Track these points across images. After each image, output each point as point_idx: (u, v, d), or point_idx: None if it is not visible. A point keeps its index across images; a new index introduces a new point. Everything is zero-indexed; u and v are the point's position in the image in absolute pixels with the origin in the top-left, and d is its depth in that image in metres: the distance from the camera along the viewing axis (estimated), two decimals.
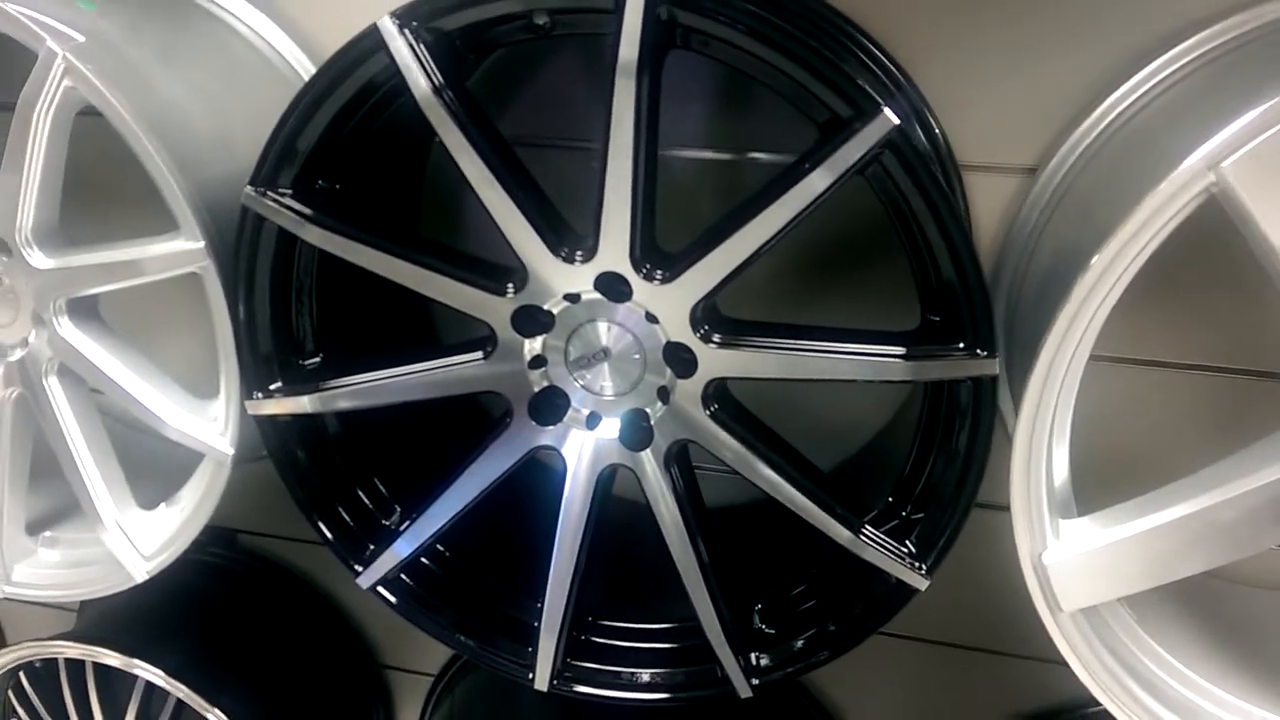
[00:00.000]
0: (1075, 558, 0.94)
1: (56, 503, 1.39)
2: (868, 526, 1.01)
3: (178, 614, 1.60)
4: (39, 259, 1.15)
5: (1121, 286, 0.86)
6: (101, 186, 1.34)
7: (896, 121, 0.82)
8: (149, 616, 1.59)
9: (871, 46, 1.15)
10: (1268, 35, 1.04)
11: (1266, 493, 0.89)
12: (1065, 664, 0.97)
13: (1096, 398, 1.20)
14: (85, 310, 1.20)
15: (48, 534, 1.38)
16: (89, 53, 1.03)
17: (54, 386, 1.21)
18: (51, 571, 1.35)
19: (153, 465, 1.34)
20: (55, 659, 1.53)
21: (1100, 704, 1.31)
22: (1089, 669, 0.96)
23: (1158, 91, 1.08)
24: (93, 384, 1.19)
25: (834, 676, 1.50)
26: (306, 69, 1.31)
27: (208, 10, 1.29)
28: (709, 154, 1.28)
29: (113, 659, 1.45)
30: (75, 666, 1.55)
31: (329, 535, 1.14)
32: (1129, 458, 1.19)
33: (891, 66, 1.15)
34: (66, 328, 1.18)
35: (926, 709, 1.49)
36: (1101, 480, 1.07)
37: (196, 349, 1.52)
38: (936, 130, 1.16)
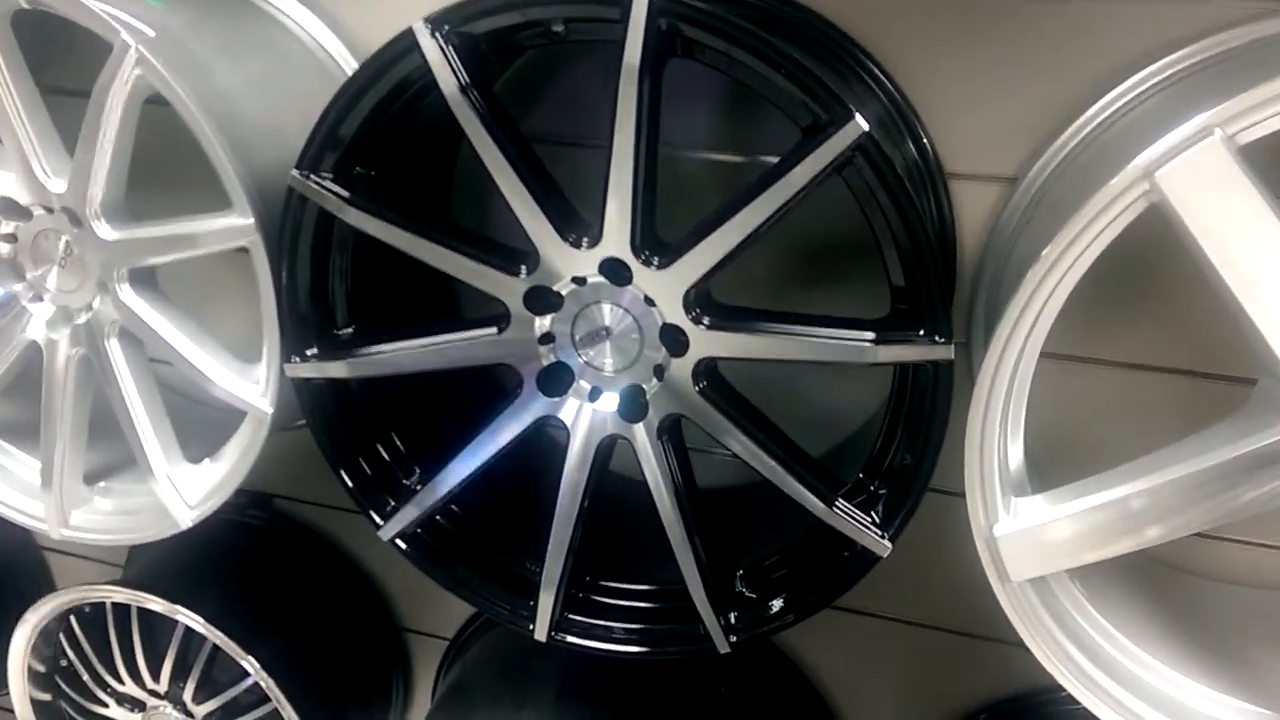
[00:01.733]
0: (1024, 531, 1.02)
1: (110, 456, 1.52)
2: (840, 499, 1.11)
3: (217, 569, 1.73)
4: (106, 231, 1.28)
5: (1071, 281, 0.94)
6: (162, 167, 1.47)
7: (865, 127, 0.92)
8: (191, 570, 1.72)
9: (866, 60, 1.24)
10: (1232, 58, 1.12)
11: (1202, 477, 0.97)
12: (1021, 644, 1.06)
13: (1066, 396, 1.29)
14: (145, 280, 1.32)
15: (102, 484, 1.51)
16: (158, 46, 1.15)
17: (114, 348, 1.34)
18: (105, 518, 1.48)
19: (197, 427, 1.47)
20: (103, 604, 1.67)
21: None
22: (1034, 634, 1.05)
23: (1129, 108, 1.17)
24: (150, 347, 1.32)
25: (830, 665, 1.59)
26: (350, 65, 1.43)
27: (262, 9, 1.42)
28: (720, 156, 1.39)
29: (156, 604, 1.57)
30: (121, 612, 1.68)
31: (354, 489, 1.26)
32: (1094, 453, 1.27)
33: (884, 79, 1.25)
34: (128, 294, 1.30)
35: (917, 691, 1.57)
36: (1067, 475, 1.15)
37: (239, 321, 1.65)
38: (925, 140, 1.25)
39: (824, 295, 1.38)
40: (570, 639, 1.24)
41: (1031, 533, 1.02)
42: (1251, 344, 0.92)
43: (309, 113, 1.34)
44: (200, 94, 1.15)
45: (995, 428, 1.00)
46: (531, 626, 1.24)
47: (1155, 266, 1.18)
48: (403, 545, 1.26)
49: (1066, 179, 1.19)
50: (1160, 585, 1.21)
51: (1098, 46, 1.17)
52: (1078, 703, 1.41)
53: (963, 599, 1.43)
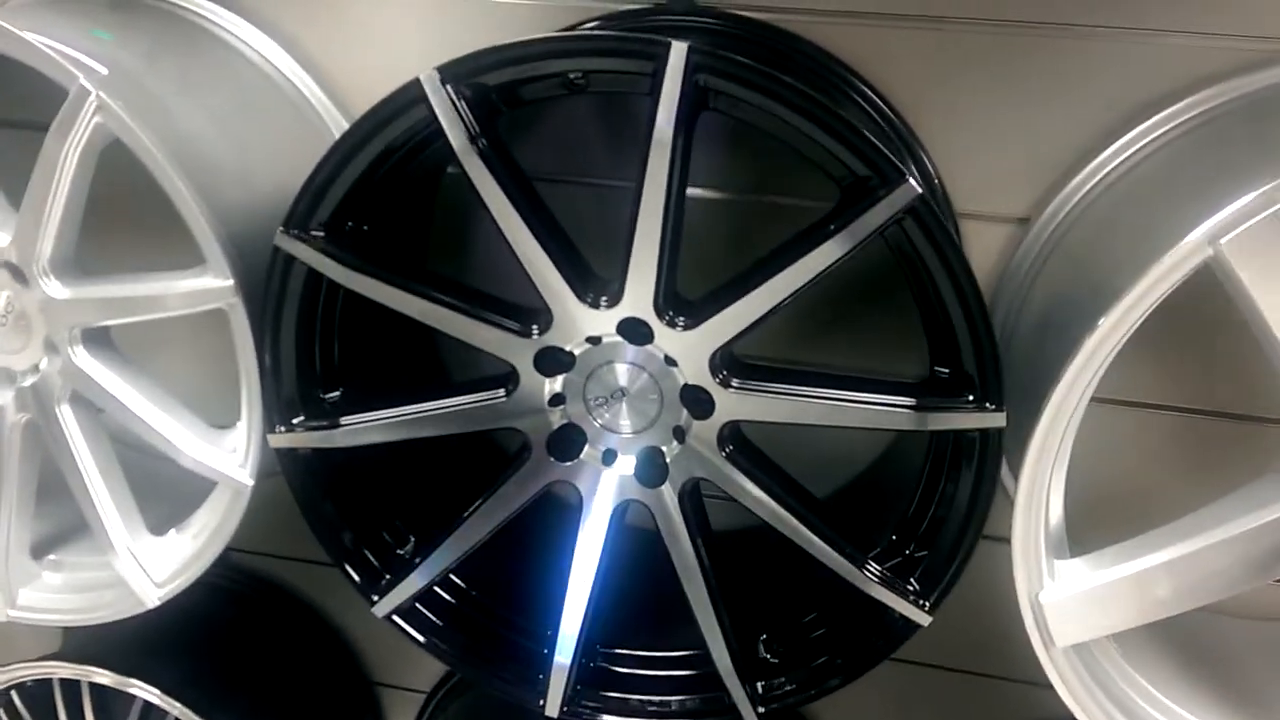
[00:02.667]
0: (1069, 598, 1.00)
1: (60, 526, 1.39)
2: (872, 563, 1.07)
3: (170, 631, 1.60)
4: (56, 289, 1.16)
5: (1122, 342, 0.92)
6: (109, 214, 1.34)
7: (920, 190, 0.88)
8: (141, 633, 1.59)
9: (875, 98, 1.20)
10: (1246, 108, 1.11)
11: (1248, 539, 0.96)
12: (1045, 686, 1.03)
13: (1086, 438, 1.27)
14: (99, 339, 1.21)
15: (52, 557, 1.38)
16: (117, 88, 1.04)
17: (66, 414, 1.22)
18: (56, 596, 1.35)
19: (156, 488, 1.35)
20: (49, 679, 1.53)
21: None
22: (1079, 701, 1.02)
23: (1144, 154, 1.15)
24: (111, 414, 1.20)
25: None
26: (316, 95, 1.33)
27: (220, 38, 1.30)
28: (709, 193, 1.33)
29: (106, 678, 1.46)
30: (70, 685, 1.55)
31: (346, 566, 1.17)
32: (1115, 495, 1.26)
33: (893, 116, 1.20)
34: (82, 357, 1.18)
35: None
36: (1089, 517, 1.13)
37: (193, 373, 1.53)
38: (935, 179, 1.22)
39: (840, 347, 1.33)
40: (586, 714, 1.17)
41: (1076, 599, 0.99)
42: None
43: (279, 153, 1.24)
44: (166, 142, 1.04)
45: (1044, 492, 0.97)
46: (543, 702, 1.17)
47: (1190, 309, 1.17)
48: (400, 622, 1.18)
49: (1085, 225, 1.16)
50: (1191, 631, 1.19)
51: (1113, 87, 1.15)
52: None
53: (970, 638, 1.41)
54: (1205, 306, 1.06)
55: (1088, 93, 1.16)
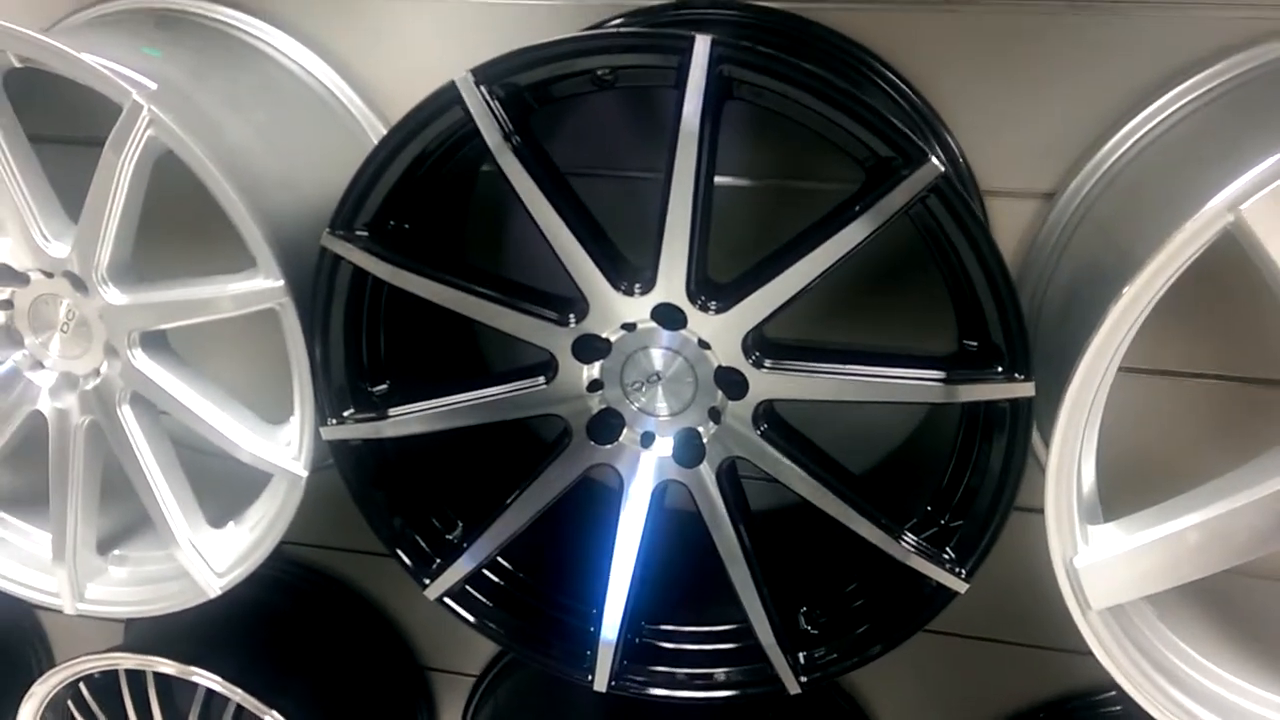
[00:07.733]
0: (1103, 561, 1.02)
1: (123, 522, 1.45)
2: (909, 534, 1.09)
3: (227, 622, 1.65)
4: (114, 295, 1.21)
5: (1148, 309, 0.94)
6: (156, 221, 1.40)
7: (942, 169, 0.90)
8: (199, 625, 1.64)
9: (898, 80, 1.22)
10: (1268, 76, 1.12)
11: (1276, 500, 0.97)
12: (1080, 653, 1.05)
13: (1116, 407, 1.29)
14: (157, 342, 1.26)
15: (116, 552, 1.44)
16: (168, 103, 1.09)
17: (127, 414, 1.27)
18: (121, 589, 1.41)
19: (208, 485, 1.40)
20: (115, 670, 1.60)
21: (1113, 692, 1.41)
22: (1115, 662, 1.04)
23: (1168, 124, 1.16)
24: (172, 413, 1.25)
25: (866, 678, 1.58)
26: (355, 104, 1.37)
27: (262, 52, 1.35)
28: (732, 180, 1.35)
29: (170, 668, 1.52)
30: (135, 675, 1.61)
31: (398, 551, 1.21)
32: (1145, 462, 1.28)
33: (915, 97, 1.23)
34: (141, 359, 1.24)
35: (944, 696, 1.57)
36: (1121, 484, 1.15)
37: (236, 374, 1.58)
38: (959, 157, 1.24)
39: (866, 323, 1.36)
40: (633, 688, 1.21)
41: (1110, 562, 1.02)
42: None
43: (321, 158, 1.28)
44: (216, 152, 1.08)
45: (1075, 458, 0.99)
46: (590, 678, 1.21)
47: (1216, 275, 1.18)
48: (451, 604, 1.22)
49: (1111, 197, 1.18)
50: (1225, 593, 1.21)
51: (1135, 59, 1.16)
52: (1110, 708, 1.43)
53: (995, 607, 1.43)
54: (1231, 273, 1.08)
55: (1109, 66, 1.17)
